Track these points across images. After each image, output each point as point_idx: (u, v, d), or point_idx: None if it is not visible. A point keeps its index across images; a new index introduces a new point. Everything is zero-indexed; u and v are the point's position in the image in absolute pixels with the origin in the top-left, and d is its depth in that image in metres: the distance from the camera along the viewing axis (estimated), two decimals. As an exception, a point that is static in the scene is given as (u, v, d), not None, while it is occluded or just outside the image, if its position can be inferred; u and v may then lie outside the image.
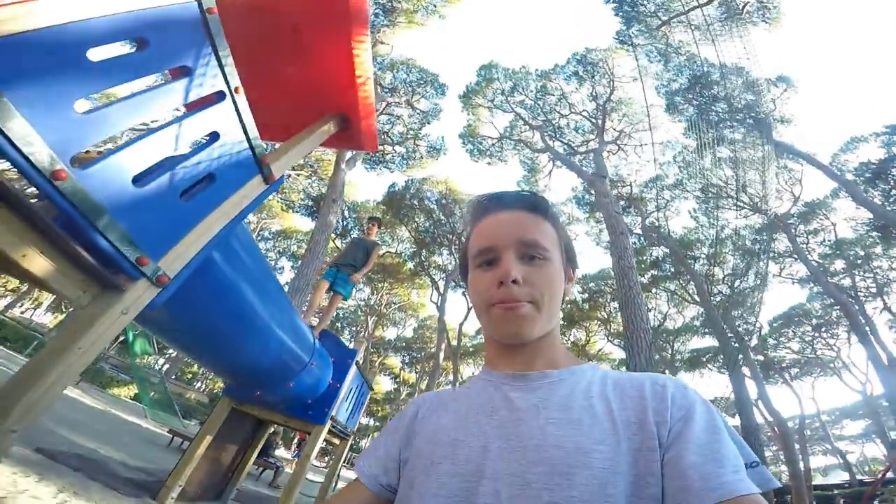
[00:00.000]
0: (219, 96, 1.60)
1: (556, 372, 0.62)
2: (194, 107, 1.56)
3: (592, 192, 17.22)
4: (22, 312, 32.91)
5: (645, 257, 21.51)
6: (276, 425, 5.43)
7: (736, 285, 17.58)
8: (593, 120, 20.07)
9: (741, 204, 17.56)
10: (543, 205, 0.68)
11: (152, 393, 12.99)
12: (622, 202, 18.38)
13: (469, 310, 26.04)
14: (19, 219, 1.10)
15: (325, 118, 2.44)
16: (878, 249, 19.91)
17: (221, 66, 1.56)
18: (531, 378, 0.62)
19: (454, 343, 25.63)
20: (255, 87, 1.73)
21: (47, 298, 34.67)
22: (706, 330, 22.94)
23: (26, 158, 1.02)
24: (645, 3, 15.76)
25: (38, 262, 1.16)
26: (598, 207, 13.28)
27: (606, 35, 21.68)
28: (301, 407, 4.16)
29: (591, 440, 0.52)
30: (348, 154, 15.17)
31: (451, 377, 28.76)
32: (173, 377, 28.56)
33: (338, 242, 25.24)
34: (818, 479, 29.33)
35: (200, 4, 1.41)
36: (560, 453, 0.51)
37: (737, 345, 15.50)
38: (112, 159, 1.26)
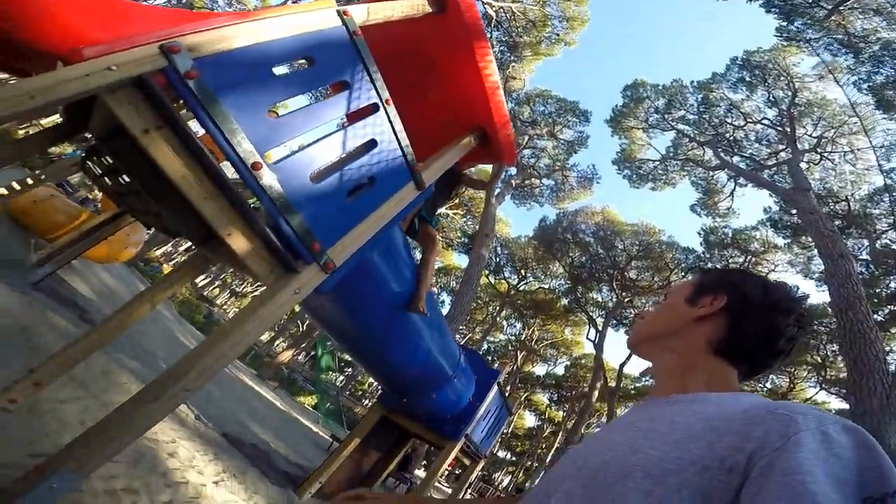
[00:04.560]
0: (373, 108, 1.84)
1: (678, 396, 0.68)
2: (354, 117, 1.81)
3: (793, 210, 14.30)
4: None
5: (878, 289, 16.13)
6: (415, 438, 5.58)
7: None
8: (779, 128, 16.98)
9: None
10: (696, 272, 0.95)
11: (328, 403, 14.87)
12: (837, 221, 14.54)
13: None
14: (229, 203, 1.39)
15: (466, 132, 2.59)
16: None
17: (373, 80, 1.79)
18: (655, 401, 0.72)
19: (612, 384, 23.45)
20: (400, 110, 1.94)
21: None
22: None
23: (234, 151, 1.32)
24: (795, -8, 12.94)
25: (239, 242, 1.45)
26: (804, 228, 10.78)
27: (765, 35, 18.39)
28: (439, 421, 4.25)
29: (647, 444, 0.56)
30: (497, 189, 15.69)
31: (603, 419, 26.45)
32: (347, 392, 32.26)
33: (490, 278, 25.64)
34: None
35: (347, 28, 1.65)
36: (617, 450, 0.58)
37: None
38: (296, 157, 1.54)
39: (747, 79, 17.34)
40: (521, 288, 26.70)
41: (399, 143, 1.95)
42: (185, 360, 1.40)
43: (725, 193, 19.67)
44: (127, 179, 1.61)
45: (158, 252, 26.95)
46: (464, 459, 5.34)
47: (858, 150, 16.08)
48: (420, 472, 13.41)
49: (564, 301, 25.86)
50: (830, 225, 10.56)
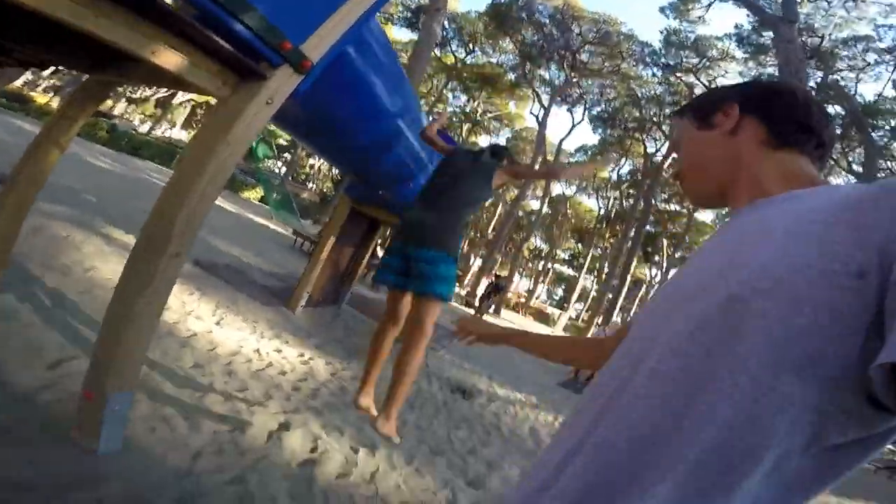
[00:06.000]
0: None
1: (761, 200, 0.57)
2: None
3: (767, 34, 14.30)
4: (162, 133, 36.27)
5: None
6: (389, 227, 5.77)
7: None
8: (797, -48, 14.39)
9: None
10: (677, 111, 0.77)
11: (275, 194, 14.38)
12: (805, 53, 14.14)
13: (573, 127, 25.13)
14: (142, 18, 0.97)
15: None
16: None
17: None
18: (738, 213, 0.59)
19: (550, 157, 25.19)
20: None
21: (181, 118, 37.83)
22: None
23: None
24: None
25: (168, 58, 1.06)
26: (778, 53, 10.28)
27: None
28: None
29: (746, 256, 0.45)
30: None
31: (539, 192, 28.89)
32: (290, 178, 31.93)
33: (437, 51, 24.21)
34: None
35: None
36: (714, 272, 0.48)
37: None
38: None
39: None
40: (469, 62, 26.29)
41: None
42: (160, 214, 1.18)
43: (703, 3, 18.27)
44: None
45: (19, 83, 21.02)
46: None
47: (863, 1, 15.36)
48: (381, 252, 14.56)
49: (511, 76, 25.95)
50: (801, 55, 10.41)
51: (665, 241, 30.40)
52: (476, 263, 31.63)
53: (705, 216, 30.29)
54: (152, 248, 1.14)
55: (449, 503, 2.20)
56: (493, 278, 14.27)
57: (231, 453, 1.80)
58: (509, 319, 19.54)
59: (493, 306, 14.76)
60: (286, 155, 34.15)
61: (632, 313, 33.45)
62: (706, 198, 0.69)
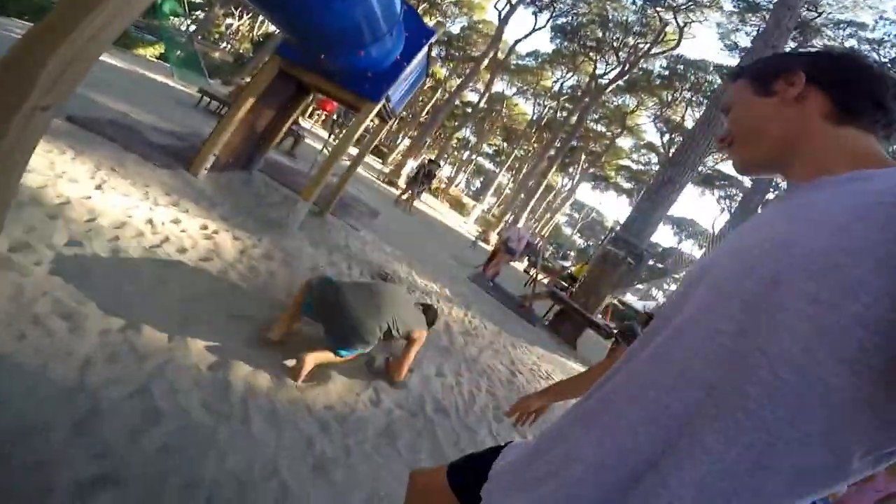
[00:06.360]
0: None
1: (825, 178, 0.54)
2: None
3: None
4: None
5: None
6: (320, 94, 5.14)
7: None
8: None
9: None
10: (733, 71, 0.75)
11: (178, 52, 12.30)
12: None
13: (533, 31, 24.34)
14: None
15: None
16: None
17: None
18: (796, 189, 0.58)
19: (500, 56, 24.24)
20: None
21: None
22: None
23: None
24: None
25: None
26: (771, 16, 10.43)
27: None
28: (359, 79, 3.80)
29: (802, 237, 0.44)
30: None
31: (480, 86, 28.64)
32: (199, 38, 27.33)
33: None
34: None
35: None
36: (763, 249, 0.47)
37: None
38: None
39: None
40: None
41: None
42: (22, 55, 0.85)
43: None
44: None
45: None
46: (375, 119, 5.11)
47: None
48: (303, 122, 13.03)
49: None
50: (791, 24, 10.58)
51: (583, 157, 31.91)
52: (404, 143, 30.85)
53: (625, 142, 32.06)
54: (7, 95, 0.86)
55: (373, 403, 2.20)
56: (427, 163, 13.19)
57: (127, 359, 1.56)
58: (429, 204, 19.14)
59: (422, 193, 13.85)
60: (199, 13, 29.14)
61: (537, 215, 35.88)
62: (756, 165, 0.66)
